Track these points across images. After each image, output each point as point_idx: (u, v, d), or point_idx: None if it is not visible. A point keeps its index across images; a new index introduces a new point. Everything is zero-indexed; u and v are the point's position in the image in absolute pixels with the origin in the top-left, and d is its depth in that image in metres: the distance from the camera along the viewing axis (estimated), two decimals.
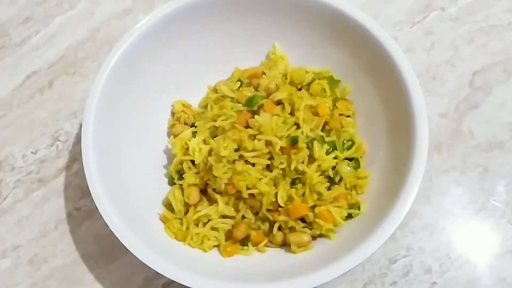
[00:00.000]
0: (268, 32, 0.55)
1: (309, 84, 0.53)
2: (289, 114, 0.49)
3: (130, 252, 0.44)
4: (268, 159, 0.48)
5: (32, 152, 0.58)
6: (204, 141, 0.51)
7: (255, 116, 0.48)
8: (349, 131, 0.51)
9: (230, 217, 0.49)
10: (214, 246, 0.50)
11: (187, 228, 0.49)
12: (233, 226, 0.49)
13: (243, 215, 0.49)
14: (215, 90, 0.56)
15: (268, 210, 0.48)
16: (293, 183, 0.48)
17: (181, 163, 0.51)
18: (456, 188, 0.53)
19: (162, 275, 0.43)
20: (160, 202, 0.52)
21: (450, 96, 0.57)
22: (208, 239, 0.49)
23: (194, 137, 0.51)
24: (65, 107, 0.60)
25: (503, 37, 0.60)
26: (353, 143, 0.51)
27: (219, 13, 0.54)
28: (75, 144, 0.58)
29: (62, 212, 0.55)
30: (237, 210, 0.49)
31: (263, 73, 0.55)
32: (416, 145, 0.45)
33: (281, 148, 0.47)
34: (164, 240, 0.49)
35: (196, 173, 0.50)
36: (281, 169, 0.48)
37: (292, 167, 0.47)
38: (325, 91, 0.52)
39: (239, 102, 0.52)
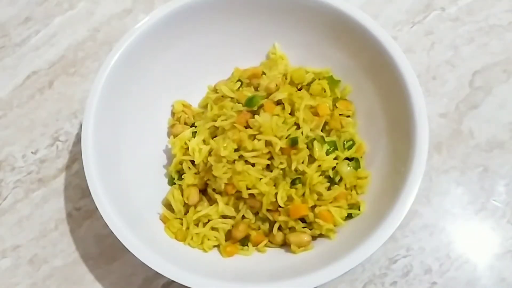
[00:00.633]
0: (268, 32, 0.55)
1: (309, 84, 0.53)
2: (289, 114, 0.50)
3: (130, 252, 0.44)
4: (268, 159, 0.48)
5: (32, 152, 0.58)
6: (204, 141, 0.51)
7: (255, 116, 0.48)
8: (349, 131, 0.51)
9: (230, 217, 0.49)
10: (214, 246, 0.50)
11: (187, 228, 0.49)
12: (233, 226, 0.49)
13: (243, 215, 0.49)
14: (215, 90, 0.56)
15: (268, 210, 0.48)
16: (293, 183, 0.48)
17: (180, 163, 0.51)
18: (456, 188, 0.53)
19: (162, 275, 0.43)
20: (160, 202, 0.52)
21: (450, 96, 0.57)
22: (208, 239, 0.49)
23: (194, 137, 0.51)
24: (65, 107, 0.60)
25: (503, 37, 0.60)
26: (353, 143, 0.51)
27: (219, 13, 0.54)
28: (75, 144, 0.58)
29: (62, 212, 0.55)
30: (237, 210, 0.49)
31: (263, 73, 0.55)
32: (416, 145, 0.45)
33: (281, 149, 0.47)
34: (164, 240, 0.49)
35: (195, 173, 0.51)
36: (281, 169, 0.48)
37: (293, 167, 0.47)
38: (325, 91, 0.52)
39: (239, 102, 0.52)
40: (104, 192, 0.46)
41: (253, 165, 0.48)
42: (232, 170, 0.47)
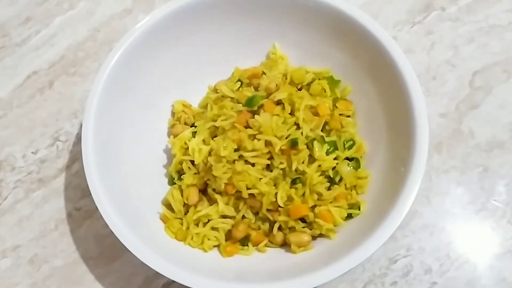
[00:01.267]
0: (268, 32, 0.55)
1: (309, 84, 0.53)
2: (289, 114, 0.50)
3: (130, 252, 0.44)
4: (268, 159, 0.48)
5: (32, 152, 0.58)
6: (204, 141, 0.51)
7: (255, 116, 0.48)
8: (349, 131, 0.51)
9: (230, 217, 0.49)
10: (214, 246, 0.50)
11: (187, 228, 0.49)
12: (233, 226, 0.49)
13: (243, 215, 0.49)
14: (215, 90, 0.56)
15: (268, 210, 0.48)
16: (293, 183, 0.48)
17: (180, 163, 0.51)
18: (456, 188, 0.53)
19: (162, 275, 0.43)
20: (160, 202, 0.52)
21: (450, 96, 0.57)
22: (208, 239, 0.49)
23: (194, 137, 0.51)
24: (65, 107, 0.60)
25: (503, 37, 0.60)
26: (353, 143, 0.51)
27: (219, 13, 0.54)
28: (75, 144, 0.58)
29: (62, 212, 0.55)
30: (237, 210, 0.49)
31: (263, 73, 0.55)
32: (416, 145, 0.45)
33: (281, 149, 0.47)
34: (164, 240, 0.49)
35: (195, 173, 0.51)
36: (281, 169, 0.48)
37: (293, 167, 0.47)
38: (325, 91, 0.52)
39: (239, 102, 0.52)
40: (104, 192, 0.46)
41: (253, 165, 0.48)
42: (232, 170, 0.47)
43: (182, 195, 0.50)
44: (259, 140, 0.47)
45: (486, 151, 0.55)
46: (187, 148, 0.51)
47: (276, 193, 0.47)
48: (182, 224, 0.50)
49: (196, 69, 0.56)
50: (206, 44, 0.56)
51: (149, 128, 0.54)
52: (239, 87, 0.54)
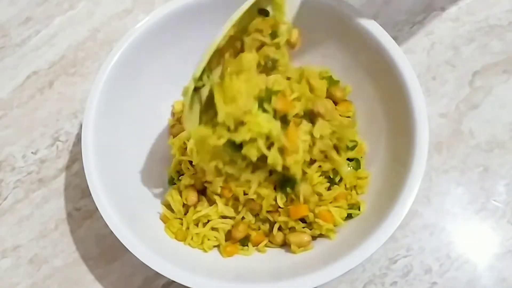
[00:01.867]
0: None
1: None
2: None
3: (130, 252, 0.44)
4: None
5: (32, 152, 0.58)
6: None
7: None
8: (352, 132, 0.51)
9: (230, 218, 0.49)
10: (214, 246, 0.50)
11: (187, 228, 0.49)
12: (233, 226, 0.49)
13: (243, 216, 0.49)
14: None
15: (268, 211, 0.48)
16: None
17: (180, 163, 0.51)
18: (456, 188, 0.53)
19: (162, 275, 0.43)
20: (160, 202, 0.52)
21: (450, 96, 0.57)
22: (208, 239, 0.49)
23: None
24: (65, 107, 0.60)
25: (503, 37, 0.60)
26: (356, 144, 0.51)
27: (219, 13, 0.54)
28: (75, 144, 0.58)
29: (62, 212, 0.55)
30: (236, 211, 0.49)
31: None
32: (416, 145, 0.45)
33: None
34: (164, 240, 0.49)
35: (194, 173, 0.50)
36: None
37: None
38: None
39: None
40: (104, 192, 0.46)
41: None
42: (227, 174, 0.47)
43: (181, 196, 0.50)
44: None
45: (486, 151, 0.55)
46: (186, 148, 0.51)
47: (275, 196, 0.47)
48: (182, 224, 0.50)
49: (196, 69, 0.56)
50: (207, 44, 0.56)
51: (149, 128, 0.54)
52: None
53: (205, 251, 0.49)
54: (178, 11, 0.52)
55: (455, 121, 0.56)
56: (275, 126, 0.44)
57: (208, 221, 0.49)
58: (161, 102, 0.56)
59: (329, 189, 0.49)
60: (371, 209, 0.48)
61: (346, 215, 0.49)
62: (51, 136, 0.59)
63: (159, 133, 0.55)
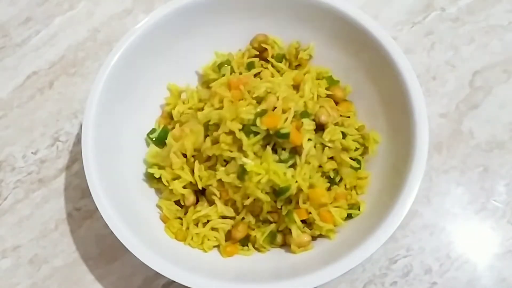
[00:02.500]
0: (267, 32, 0.55)
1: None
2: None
3: (130, 252, 0.44)
4: None
5: (32, 153, 0.58)
6: None
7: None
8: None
9: (230, 218, 0.49)
10: (214, 246, 0.50)
11: (187, 228, 0.49)
12: (232, 226, 0.49)
13: (243, 216, 0.49)
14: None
15: (268, 212, 0.48)
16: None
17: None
18: (456, 188, 0.53)
19: (162, 275, 0.43)
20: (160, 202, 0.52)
21: (450, 96, 0.57)
22: (208, 239, 0.49)
23: None
24: (65, 107, 0.60)
25: (503, 37, 0.60)
26: (359, 147, 0.51)
27: (218, 13, 0.54)
28: (75, 144, 0.58)
29: (62, 212, 0.55)
30: (236, 211, 0.49)
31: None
32: (416, 145, 0.45)
33: None
34: (164, 240, 0.49)
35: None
36: None
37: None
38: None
39: None
40: (104, 192, 0.46)
41: None
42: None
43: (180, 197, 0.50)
44: None
45: (486, 151, 0.55)
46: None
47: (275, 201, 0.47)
48: (182, 224, 0.50)
49: (196, 69, 0.56)
50: (207, 44, 0.56)
51: (149, 128, 0.54)
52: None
53: (205, 251, 0.49)
54: (178, 11, 0.52)
55: (455, 121, 0.56)
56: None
57: (208, 221, 0.49)
58: (162, 102, 0.55)
59: (329, 189, 0.49)
60: (371, 209, 0.48)
61: (346, 215, 0.48)
62: (51, 136, 0.59)
63: None
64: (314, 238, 0.49)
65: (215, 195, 0.48)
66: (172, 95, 0.55)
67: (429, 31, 0.61)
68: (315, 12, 0.53)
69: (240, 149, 0.46)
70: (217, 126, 0.48)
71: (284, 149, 0.47)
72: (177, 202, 0.50)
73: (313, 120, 0.48)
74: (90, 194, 0.46)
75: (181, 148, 0.49)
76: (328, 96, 0.52)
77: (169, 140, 0.51)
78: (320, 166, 0.48)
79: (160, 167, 0.51)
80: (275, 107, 0.47)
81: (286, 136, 0.45)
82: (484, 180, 0.53)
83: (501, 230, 0.52)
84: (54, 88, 0.61)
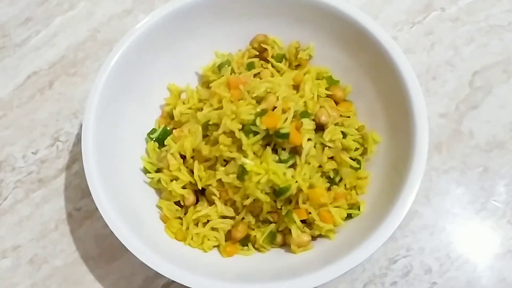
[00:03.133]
0: (267, 32, 0.55)
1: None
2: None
3: (130, 252, 0.44)
4: None
5: (32, 153, 0.58)
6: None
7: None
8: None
9: (230, 218, 0.49)
10: (214, 246, 0.50)
11: (187, 228, 0.49)
12: (232, 226, 0.49)
13: (243, 216, 0.49)
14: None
15: (268, 212, 0.48)
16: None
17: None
18: (456, 188, 0.53)
19: (162, 275, 0.43)
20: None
21: (450, 96, 0.57)
22: (208, 239, 0.49)
23: None
24: (65, 107, 0.60)
25: (503, 37, 0.60)
26: (359, 147, 0.51)
27: (218, 13, 0.54)
28: (75, 144, 0.58)
29: (62, 212, 0.55)
30: (236, 211, 0.49)
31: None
32: (416, 145, 0.45)
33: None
34: (164, 240, 0.49)
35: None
36: None
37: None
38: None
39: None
40: (104, 192, 0.46)
41: None
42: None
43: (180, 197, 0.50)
44: None
45: (486, 151, 0.55)
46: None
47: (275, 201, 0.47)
48: (182, 224, 0.50)
49: (196, 69, 0.56)
50: (206, 44, 0.56)
51: (149, 128, 0.54)
52: None
53: (205, 251, 0.49)
54: (178, 11, 0.52)
55: (455, 121, 0.56)
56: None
57: (208, 221, 0.49)
58: (161, 102, 0.56)
59: (329, 189, 0.49)
60: (371, 209, 0.48)
61: (346, 215, 0.48)
62: (51, 136, 0.59)
63: None
64: (314, 238, 0.49)
65: (215, 195, 0.48)
66: (172, 95, 0.55)
67: (429, 31, 0.61)
68: (315, 12, 0.53)
69: (239, 149, 0.46)
70: (216, 126, 0.48)
71: (284, 149, 0.47)
72: (177, 202, 0.51)
73: (313, 120, 0.48)
74: (90, 194, 0.46)
75: (180, 148, 0.49)
76: (328, 96, 0.52)
77: (168, 141, 0.51)
78: (320, 166, 0.48)
79: (158, 170, 0.51)
80: (275, 107, 0.47)
81: (285, 136, 0.45)
82: (484, 180, 0.53)
83: (501, 230, 0.52)
84: (54, 88, 0.61)
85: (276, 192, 0.46)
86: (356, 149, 0.50)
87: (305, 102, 0.49)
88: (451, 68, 0.59)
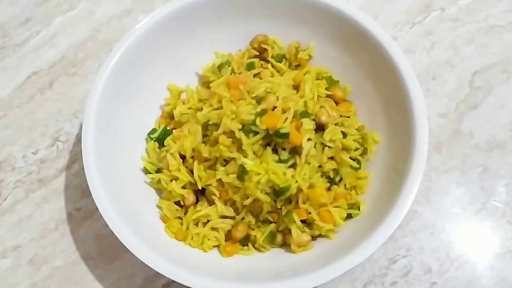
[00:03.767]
0: (267, 32, 0.55)
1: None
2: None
3: (130, 252, 0.44)
4: None
5: (32, 153, 0.58)
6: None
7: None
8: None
9: (230, 218, 0.49)
10: (214, 246, 0.50)
11: (187, 228, 0.49)
12: (232, 226, 0.49)
13: (243, 216, 0.49)
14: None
15: (268, 212, 0.48)
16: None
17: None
18: (456, 188, 0.53)
19: (162, 275, 0.43)
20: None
21: (450, 96, 0.57)
22: (208, 239, 0.49)
23: None
24: (65, 108, 0.60)
25: (503, 37, 0.60)
26: (359, 147, 0.51)
27: (218, 13, 0.54)
28: (75, 144, 0.58)
29: (62, 212, 0.55)
30: (236, 211, 0.49)
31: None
32: (416, 145, 0.45)
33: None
34: (164, 240, 0.49)
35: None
36: None
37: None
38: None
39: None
40: (104, 192, 0.46)
41: None
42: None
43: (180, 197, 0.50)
44: None
45: (486, 151, 0.55)
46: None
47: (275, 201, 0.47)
48: (182, 224, 0.50)
49: (196, 69, 0.56)
50: (207, 44, 0.56)
51: (149, 128, 0.54)
52: None
53: (205, 251, 0.49)
54: (178, 11, 0.52)
55: (455, 121, 0.56)
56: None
57: (208, 221, 0.49)
58: (161, 102, 0.56)
59: (329, 189, 0.49)
60: (371, 209, 0.48)
61: (346, 215, 0.48)
62: (51, 136, 0.59)
63: None
64: (314, 238, 0.49)
65: (215, 195, 0.48)
66: (172, 95, 0.55)
67: (429, 31, 0.61)
68: (315, 12, 0.53)
69: (239, 149, 0.47)
70: (216, 126, 0.48)
71: (284, 149, 0.47)
72: (177, 202, 0.51)
73: (313, 120, 0.48)
74: (90, 194, 0.46)
75: (180, 148, 0.49)
76: (328, 96, 0.52)
77: (167, 141, 0.51)
78: (320, 166, 0.48)
79: (158, 170, 0.51)
80: (275, 107, 0.47)
81: (285, 136, 0.45)
82: (484, 180, 0.53)
83: (501, 230, 0.52)
84: (54, 88, 0.61)
85: (276, 192, 0.46)
86: (356, 149, 0.50)
87: (305, 102, 0.49)
88: (451, 68, 0.59)
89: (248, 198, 0.47)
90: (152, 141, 0.52)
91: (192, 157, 0.50)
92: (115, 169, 0.49)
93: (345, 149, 0.49)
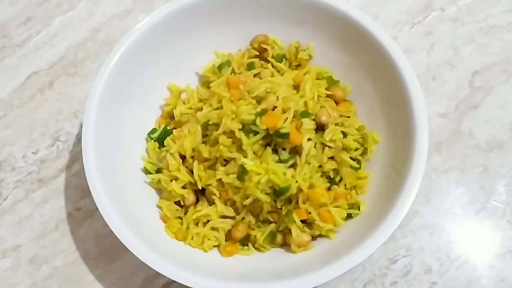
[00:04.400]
0: (268, 32, 0.55)
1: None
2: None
3: (130, 252, 0.44)
4: None
5: (32, 152, 0.58)
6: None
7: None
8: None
9: (230, 217, 0.49)
10: (214, 246, 0.50)
11: (187, 228, 0.49)
12: (233, 226, 0.49)
13: (243, 216, 0.49)
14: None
15: (268, 211, 0.48)
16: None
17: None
18: (456, 188, 0.53)
19: (162, 275, 0.43)
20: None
21: (450, 96, 0.57)
22: (208, 239, 0.49)
23: None
24: (65, 107, 0.60)
25: (503, 37, 0.60)
26: (359, 147, 0.51)
27: (218, 13, 0.54)
28: (75, 144, 0.58)
29: (62, 212, 0.55)
30: (236, 211, 0.49)
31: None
32: (416, 145, 0.45)
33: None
34: (164, 240, 0.49)
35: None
36: None
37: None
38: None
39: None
40: (104, 192, 0.46)
41: None
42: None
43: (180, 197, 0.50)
44: None
45: (486, 151, 0.55)
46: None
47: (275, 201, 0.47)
48: (182, 224, 0.50)
49: (196, 69, 0.56)
50: (207, 44, 0.56)
51: (149, 128, 0.54)
52: None
53: (205, 251, 0.49)
54: (178, 11, 0.52)
55: (455, 121, 0.56)
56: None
57: (208, 221, 0.49)
58: (161, 102, 0.56)
59: (329, 189, 0.49)
60: (371, 209, 0.48)
61: (346, 215, 0.48)
62: (51, 136, 0.59)
63: None
64: (314, 238, 0.49)
65: (215, 195, 0.48)
66: (172, 95, 0.55)
67: (429, 31, 0.61)
68: (315, 12, 0.53)
69: (239, 149, 0.47)
70: (216, 126, 0.48)
71: (284, 149, 0.47)
72: (177, 202, 0.51)
73: (314, 120, 0.48)
74: (90, 194, 0.46)
75: (180, 148, 0.49)
76: (328, 96, 0.52)
77: (167, 141, 0.51)
78: (320, 166, 0.48)
79: (159, 170, 0.51)
80: (275, 107, 0.47)
81: (285, 136, 0.45)
82: (484, 180, 0.53)
83: (501, 230, 0.52)
84: (54, 88, 0.61)
85: (276, 192, 0.46)
86: (356, 149, 0.50)
87: (305, 102, 0.49)
88: (451, 68, 0.59)
89: (248, 198, 0.47)
90: (152, 141, 0.52)
91: (192, 157, 0.50)
92: (115, 169, 0.49)
93: (345, 149, 0.49)
